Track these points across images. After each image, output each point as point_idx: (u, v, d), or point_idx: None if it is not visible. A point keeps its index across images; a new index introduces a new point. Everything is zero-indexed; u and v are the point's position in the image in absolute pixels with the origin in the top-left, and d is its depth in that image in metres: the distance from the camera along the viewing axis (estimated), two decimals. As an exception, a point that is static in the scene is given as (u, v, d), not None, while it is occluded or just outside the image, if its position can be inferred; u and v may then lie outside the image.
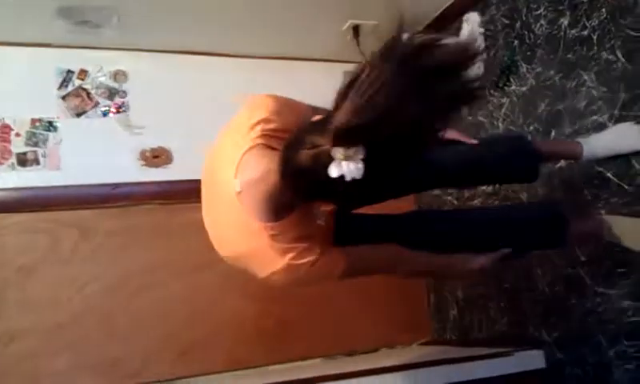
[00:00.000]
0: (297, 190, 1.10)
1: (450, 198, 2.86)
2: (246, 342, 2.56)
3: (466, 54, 0.96)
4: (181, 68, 2.86)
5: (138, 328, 2.45)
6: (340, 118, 0.92)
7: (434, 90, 0.93)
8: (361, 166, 0.94)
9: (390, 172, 1.01)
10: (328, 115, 0.97)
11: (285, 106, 1.36)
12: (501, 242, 1.72)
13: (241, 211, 1.23)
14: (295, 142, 1.03)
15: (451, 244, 1.63)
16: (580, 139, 1.97)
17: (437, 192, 2.95)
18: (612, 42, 1.96)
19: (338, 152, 0.94)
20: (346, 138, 0.93)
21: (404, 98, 0.91)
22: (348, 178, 0.94)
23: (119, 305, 2.45)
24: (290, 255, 1.24)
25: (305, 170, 1.01)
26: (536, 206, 1.92)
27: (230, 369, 2.51)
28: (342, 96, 0.95)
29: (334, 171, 0.94)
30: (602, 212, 1.99)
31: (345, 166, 0.93)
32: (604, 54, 1.99)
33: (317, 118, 1.04)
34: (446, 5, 2.85)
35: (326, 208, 1.51)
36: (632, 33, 1.89)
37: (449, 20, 2.86)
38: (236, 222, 1.25)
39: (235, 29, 2.76)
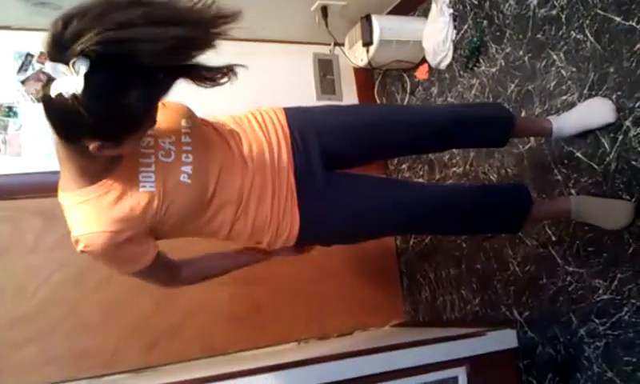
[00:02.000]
0: (57, 132, 1.11)
1: (420, 180, 2.85)
2: (219, 329, 2.52)
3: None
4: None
5: (107, 317, 2.39)
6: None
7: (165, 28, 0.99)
8: (79, 78, 0.96)
9: (115, 93, 1.02)
10: None
11: None
12: (454, 223, 1.76)
13: None
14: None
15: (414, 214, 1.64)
16: (550, 117, 1.98)
17: (407, 174, 2.95)
18: (581, 21, 1.96)
19: (54, 68, 0.97)
20: (57, 49, 0.97)
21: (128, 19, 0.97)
22: (65, 91, 0.96)
23: (86, 294, 2.39)
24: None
25: (45, 103, 1.05)
26: (500, 192, 1.91)
27: (204, 356, 2.48)
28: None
29: (53, 89, 0.98)
30: (572, 191, 2.00)
31: (62, 82, 0.97)
32: (573, 34, 1.99)
33: None
34: (415, -15, 2.83)
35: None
36: (601, 12, 1.89)
37: (418, 1, 2.84)
38: None
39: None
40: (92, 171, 1.23)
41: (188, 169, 1.33)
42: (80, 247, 1.26)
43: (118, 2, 0.99)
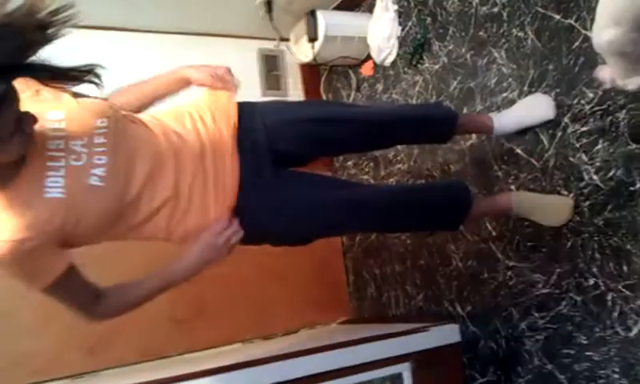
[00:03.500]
0: None
1: (366, 177, 2.86)
2: (159, 331, 2.44)
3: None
4: (88, 44, 2.68)
5: (45, 321, 2.29)
6: None
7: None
8: None
9: None
10: None
11: None
12: (394, 221, 1.76)
13: None
14: None
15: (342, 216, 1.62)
16: (491, 114, 2.00)
17: (353, 171, 2.95)
18: (522, 19, 1.99)
19: None
20: None
21: None
22: None
23: (24, 297, 2.27)
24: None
25: None
26: (440, 190, 1.91)
27: (144, 360, 2.41)
28: None
29: None
30: (512, 187, 2.03)
31: None
32: (514, 31, 2.02)
33: None
34: (360, -18, 2.83)
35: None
36: (541, 10, 1.92)
37: (362, -3, 2.85)
38: None
39: (144, 2, 2.61)
40: None
41: (100, 171, 1.26)
42: None
43: None
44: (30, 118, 1.14)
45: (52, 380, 2.26)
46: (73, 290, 1.33)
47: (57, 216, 1.21)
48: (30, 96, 1.25)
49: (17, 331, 2.26)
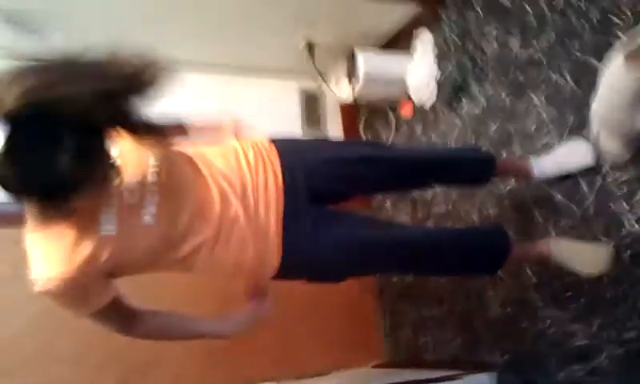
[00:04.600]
0: None
1: (405, 217, 2.84)
2: (193, 366, 2.46)
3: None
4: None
5: (80, 351, 2.33)
6: None
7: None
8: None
9: (39, 153, 1.00)
10: None
11: None
12: (431, 263, 1.74)
13: None
14: None
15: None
16: (530, 158, 1.98)
17: (391, 212, 2.94)
18: (560, 64, 1.97)
19: None
20: None
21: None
22: None
23: (60, 326, 2.33)
24: None
25: None
26: (479, 234, 1.88)
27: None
28: None
29: None
30: (552, 233, 1.99)
31: None
32: (553, 77, 2.00)
33: None
34: (400, 26, 2.86)
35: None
36: (580, 56, 1.90)
37: (402, 40, 2.87)
38: None
39: (187, 36, 2.68)
40: (49, 213, 1.19)
41: (152, 209, 1.29)
42: (37, 289, 1.23)
43: (39, 64, 0.99)
44: (116, 170, 1.17)
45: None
46: (116, 316, 1.38)
47: (108, 252, 1.23)
48: None
49: (51, 359, 2.31)
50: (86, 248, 1.21)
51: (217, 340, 1.59)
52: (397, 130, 2.94)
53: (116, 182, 1.20)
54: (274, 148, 1.57)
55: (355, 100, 2.87)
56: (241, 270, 1.46)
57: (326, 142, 1.78)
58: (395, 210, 2.91)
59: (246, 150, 1.53)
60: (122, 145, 1.29)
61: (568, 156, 1.91)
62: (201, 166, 1.43)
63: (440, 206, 2.59)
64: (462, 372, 2.08)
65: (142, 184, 1.30)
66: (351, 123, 3.19)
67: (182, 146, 1.49)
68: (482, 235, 1.87)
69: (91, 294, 1.29)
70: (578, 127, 1.91)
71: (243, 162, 1.50)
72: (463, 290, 2.43)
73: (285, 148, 1.59)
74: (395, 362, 2.83)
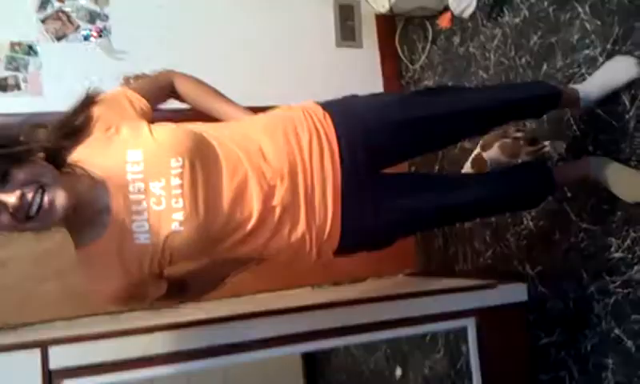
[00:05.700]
0: None
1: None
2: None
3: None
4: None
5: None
6: None
7: None
8: None
9: None
10: None
11: None
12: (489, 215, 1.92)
13: None
14: None
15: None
16: (576, 86, 1.92)
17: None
18: (609, -27, 1.90)
19: None
20: None
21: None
22: None
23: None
24: None
25: None
26: (524, 175, 1.84)
27: (223, 297, 2.51)
28: None
29: None
30: (589, 149, 1.98)
31: None
32: (600, -14, 1.94)
33: None
34: None
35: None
36: (630, -36, 1.83)
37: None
38: None
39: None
40: (84, 228, 1.25)
41: (179, 215, 1.24)
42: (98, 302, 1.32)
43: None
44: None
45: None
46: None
47: (149, 260, 1.25)
48: (113, 135, 1.28)
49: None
50: (127, 259, 1.24)
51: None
52: (434, 41, 2.89)
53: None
54: (328, 119, 1.46)
55: (391, 10, 2.81)
56: (296, 256, 1.44)
57: (386, 103, 1.59)
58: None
59: (297, 123, 1.44)
60: (145, 145, 1.26)
61: (612, 74, 1.85)
62: (238, 150, 1.35)
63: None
64: (495, 281, 2.14)
65: (166, 188, 1.24)
66: (387, 35, 3.13)
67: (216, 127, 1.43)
68: (528, 175, 1.83)
69: (144, 292, 1.34)
70: (623, 39, 1.86)
71: (293, 141, 1.40)
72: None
73: (341, 115, 1.48)
74: (428, 271, 2.91)
